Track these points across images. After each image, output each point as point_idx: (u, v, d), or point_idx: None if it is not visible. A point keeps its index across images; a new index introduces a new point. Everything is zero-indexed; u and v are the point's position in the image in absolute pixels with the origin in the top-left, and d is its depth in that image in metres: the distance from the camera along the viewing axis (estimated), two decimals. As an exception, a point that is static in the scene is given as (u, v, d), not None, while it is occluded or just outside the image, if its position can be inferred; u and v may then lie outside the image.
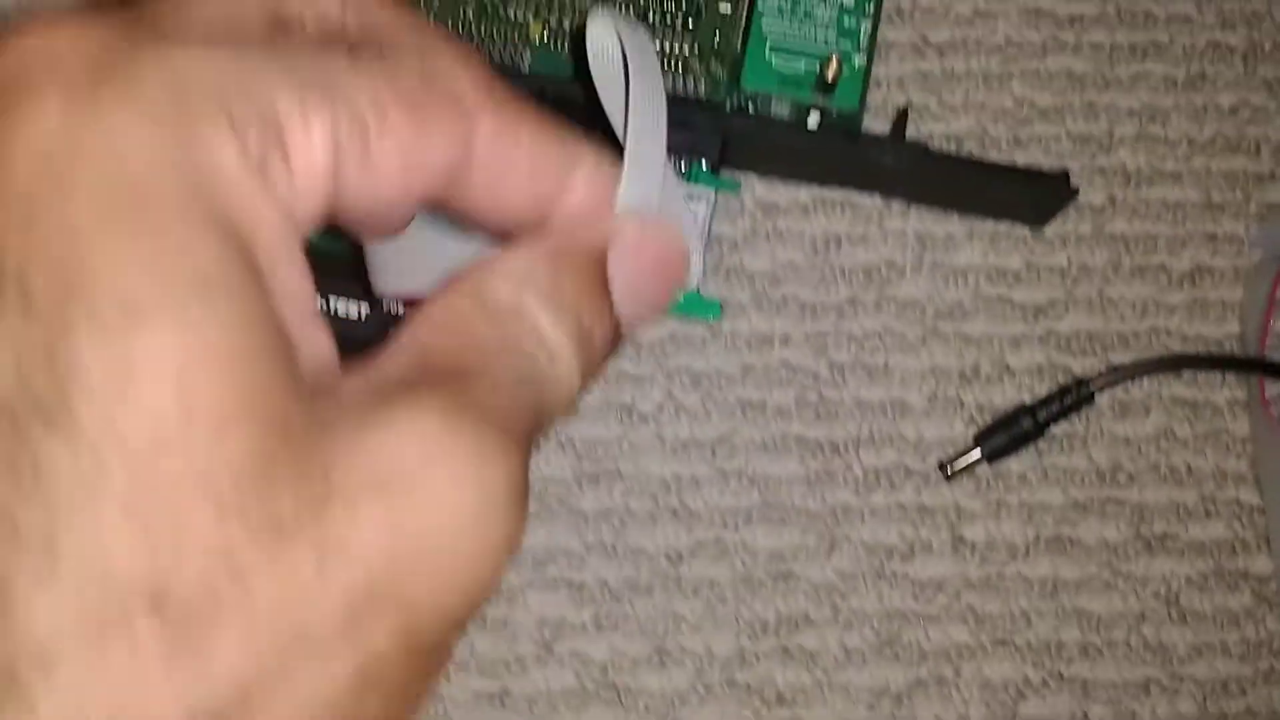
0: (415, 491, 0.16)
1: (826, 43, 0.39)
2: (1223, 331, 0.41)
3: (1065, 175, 0.37)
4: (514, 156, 0.19)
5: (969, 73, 0.42)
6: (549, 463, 0.39)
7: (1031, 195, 0.39)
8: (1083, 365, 0.41)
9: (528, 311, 0.18)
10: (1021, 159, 0.41)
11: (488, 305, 0.18)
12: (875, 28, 0.39)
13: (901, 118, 0.38)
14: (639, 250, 0.20)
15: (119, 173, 0.15)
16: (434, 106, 0.18)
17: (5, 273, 0.15)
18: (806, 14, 0.39)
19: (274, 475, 0.15)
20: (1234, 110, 0.42)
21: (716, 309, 0.39)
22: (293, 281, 0.16)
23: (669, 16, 0.39)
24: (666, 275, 0.21)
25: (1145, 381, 0.40)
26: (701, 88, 0.39)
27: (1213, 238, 0.41)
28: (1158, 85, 0.42)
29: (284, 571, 0.15)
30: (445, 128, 0.18)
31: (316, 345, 0.17)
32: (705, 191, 0.38)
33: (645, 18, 0.39)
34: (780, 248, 0.41)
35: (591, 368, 0.19)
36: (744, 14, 0.39)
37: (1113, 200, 0.41)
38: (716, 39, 0.39)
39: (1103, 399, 0.40)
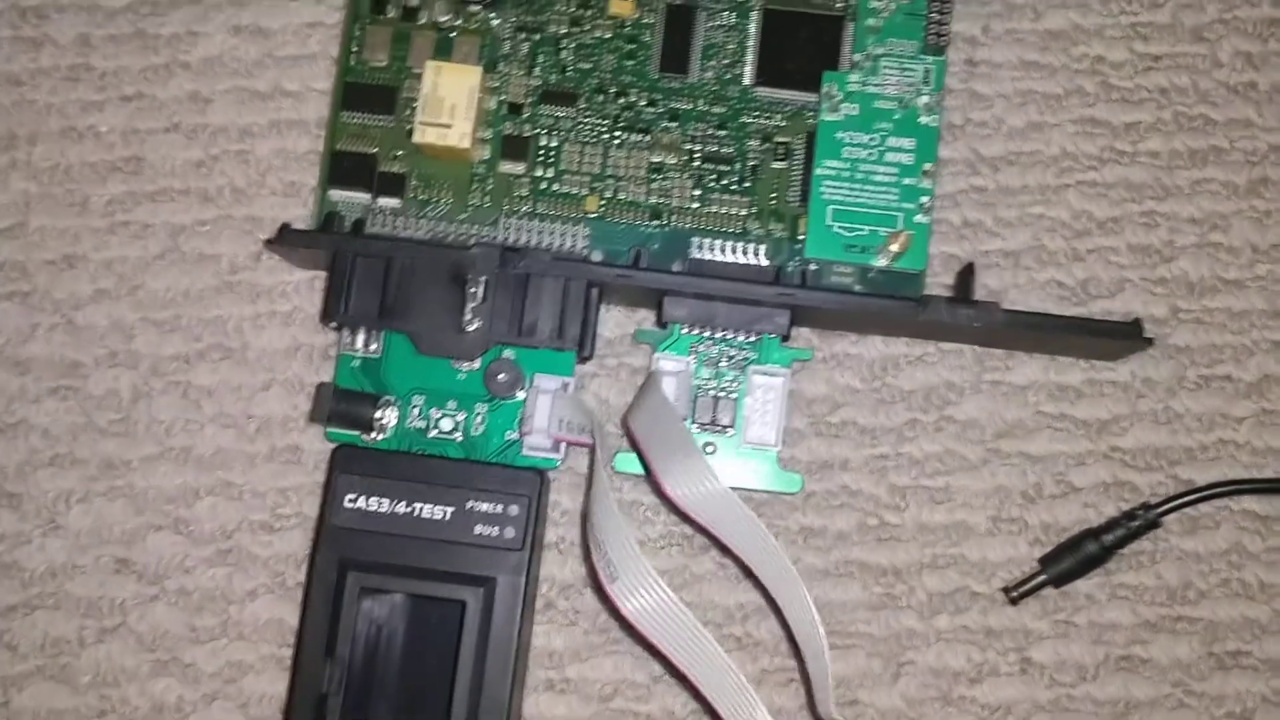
0: None
1: (887, 206, 0.39)
2: (1292, 443, 0.40)
3: (1138, 324, 0.37)
4: None
5: (1024, 186, 0.41)
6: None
7: (1104, 345, 0.38)
8: (1148, 481, 0.40)
9: None
10: (1080, 273, 0.41)
11: None
12: (934, 185, 0.39)
13: (966, 274, 0.38)
14: None
15: None
16: None
17: None
18: (866, 177, 0.39)
19: None
20: (1298, 215, 0.41)
21: (798, 482, 0.39)
22: None
23: (723, 178, 0.40)
24: None
25: (1213, 496, 0.40)
26: (763, 251, 0.39)
27: (1279, 346, 0.41)
28: (1218, 192, 0.41)
29: None
30: None
31: None
32: (781, 370, 0.38)
33: (700, 181, 0.39)
34: (837, 372, 0.41)
35: None
36: (800, 170, 0.39)
37: (1175, 311, 0.41)
38: (773, 198, 0.39)
39: (1170, 517, 0.39)
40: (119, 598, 0.40)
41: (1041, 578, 0.39)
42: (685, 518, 0.36)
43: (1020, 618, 0.40)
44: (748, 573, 0.37)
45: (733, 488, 0.38)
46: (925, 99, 0.39)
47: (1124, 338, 0.38)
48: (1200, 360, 0.41)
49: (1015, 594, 0.39)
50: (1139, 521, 0.39)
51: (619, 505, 0.37)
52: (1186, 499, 0.39)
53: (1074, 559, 0.39)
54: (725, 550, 0.36)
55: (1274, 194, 0.41)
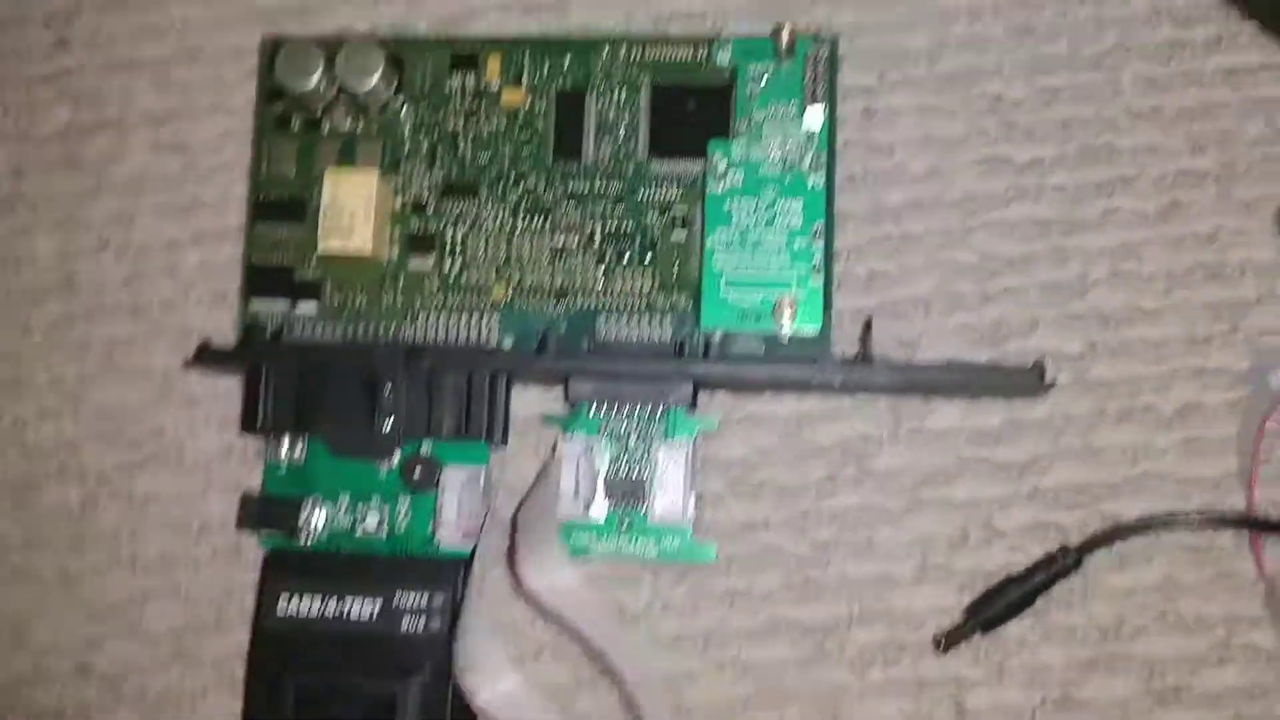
0: None
1: (780, 270, 0.39)
2: (1220, 469, 0.40)
3: (1037, 368, 0.37)
4: None
5: (928, 231, 0.41)
6: (546, 671, 0.40)
7: (1007, 389, 0.39)
8: (1074, 519, 0.40)
9: None
10: (993, 314, 0.41)
11: None
12: (830, 244, 0.39)
13: (865, 331, 0.38)
14: None
15: None
16: None
17: None
18: (755, 243, 0.39)
19: None
20: (1212, 237, 0.41)
21: (711, 553, 0.39)
22: None
23: (625, 255, 0.40)
24: None
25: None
26: (667, 323, 0.40)
27: (1201, 372, 0.40)
28: (1129, 220, 0.41)
29: None
30: None
31: None
32: (685, 441, 0.39)
33: (603, 259, 0.40)
34: (753, 433, 0.41)
35: None
36: (699, 241, 0.40)
37: (1092, 346, 0.40)
38: (676, 269, 0.40)
39: (1097, 553, 0.39)
40: (83, 702, 0.42)
41: (968, 627, 0.39)
42: (540, 609, 0.37)
43: (953, 665, 0.40)
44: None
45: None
46: (811, 157, 0.39)
47: (1022, 381, 0.38)
48: (1120, 392, 0.40)
49: (943, 644, 0.39)
50: (1058, 565, 0.39)
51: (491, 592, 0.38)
52: (1104, 540, 0.39)
53: (1000, 605, 0.39)
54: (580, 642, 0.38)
55: (1185, 218, 0.41)
